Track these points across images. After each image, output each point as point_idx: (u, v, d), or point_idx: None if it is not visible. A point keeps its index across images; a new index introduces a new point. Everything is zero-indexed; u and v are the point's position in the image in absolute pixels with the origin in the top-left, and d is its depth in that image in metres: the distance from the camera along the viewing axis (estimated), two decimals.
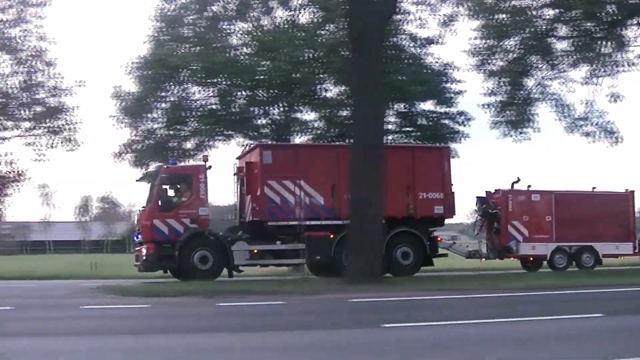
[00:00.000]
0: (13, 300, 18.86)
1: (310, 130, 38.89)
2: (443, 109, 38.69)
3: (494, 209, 32.70)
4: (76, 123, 38.43)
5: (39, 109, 38.43)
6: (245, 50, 37.09)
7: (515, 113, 38.57)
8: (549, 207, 32.89)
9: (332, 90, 38.92)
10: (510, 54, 38.00)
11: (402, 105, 38.36)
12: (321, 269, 29.22)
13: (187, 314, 16.19)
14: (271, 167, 27.86)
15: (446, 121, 38.70)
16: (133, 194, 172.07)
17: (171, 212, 27.15)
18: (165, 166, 28.58)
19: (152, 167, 29.21)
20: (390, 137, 36.54)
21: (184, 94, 37.48)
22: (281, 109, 37.90)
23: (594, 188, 34.81)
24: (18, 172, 39.06)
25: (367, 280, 21.90)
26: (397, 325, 12.76)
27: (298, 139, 38.45)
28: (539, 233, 32.62)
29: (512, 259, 33.67)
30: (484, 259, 33.53)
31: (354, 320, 14.45)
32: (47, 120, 38.31)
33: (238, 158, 31.02)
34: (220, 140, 39.19)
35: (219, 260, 27.15)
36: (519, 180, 33.49)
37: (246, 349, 10.40)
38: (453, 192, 29.86)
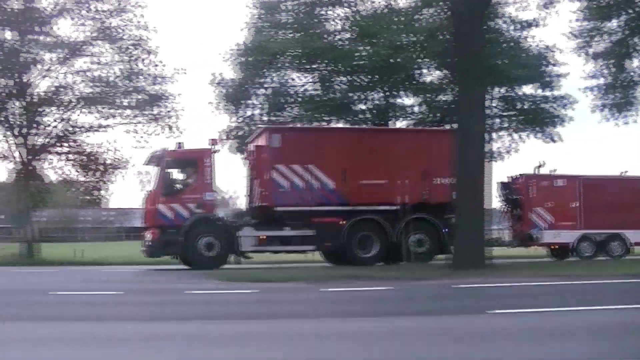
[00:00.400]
0: (122, 285, 19.34)
1: (410, 115, 38.80)
2: (544, 93, 38.12)
3: (516, 195, 31.93)
4: (177, 110, 39.13)
5: (140, 96, 39.13)
6: (344, 35, 37.14)
7: (618, 96, 37.55)
8: (575, 192, 31.99)
9: (431, 75, 38.74)
10: (613, 35, 37.14)
11: (502, 89, 37.75)
12: (332, 256, 29.17)
13: (294, 299, 16.11)
14: (280, 150, 27.51)
15: (547, 105, 38.08)
16: (231, 180, 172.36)
17: (176, 197, 27.14)
18: (170, 149, 27.98)
19: (158, 150, 28.61)
20: (490, 121, 35.90)
21: (283, 80, 37.74)
22: (381, 94, 37.77)
23: (624, 172, 33.78)
24: (120, 159, 40.18)
25: (472, 266, 21.61)
26: (506, 311, 12.50)
27: (398, 124, 38.27)
28: (564, 220, 31.76)
29: (534, 247, 32.67)
30: (508, 247, 32.50)
31: (460, 307, 14.24)
32: (149, 108, 39.01)
33: (249, 142, 30.86)
34: None
35: (225, 246, 26.99)
36: (543, 164, 32.60)
37: (349, 335, 10.34)
38: None
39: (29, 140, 38.74)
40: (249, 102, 37.80)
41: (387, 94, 37.72)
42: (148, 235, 27.28)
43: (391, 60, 35.39)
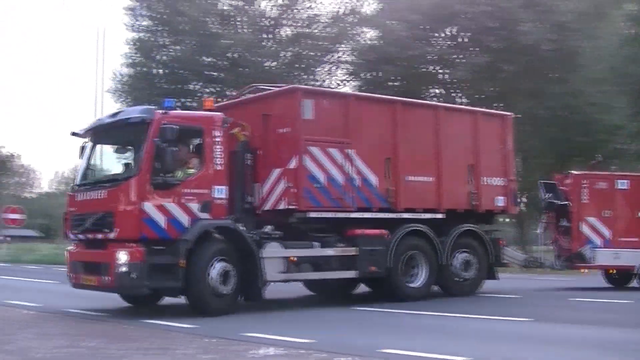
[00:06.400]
0: None
1: None
2: None
3: (563, 200, 23.81)
4: None
5: None
6: None
7: None
8: None
9: None
10: None
11: None
12: (374, 285, 20.40)
13: None
14: (313, 125, 18.01)
15: None
16: None
17: (170, 191, 15.96)
18: (159, 110, 16.25)
19: (132, 110, 17.12)
20: None
21: None
22: None
23: None
24: None
25: None
26: None
27: None
28: (628, 235, 23.55)
29: (584, 270, 24.86)
30: (548, 269, 24.89)
31: None
32: None
33: (230, 106, 19.79)
34: None
35: (243, 274, 16.64)
36: (599, 161, 26.02)
37: None
38: (514, 179, 22.52)
39: None
40: None
41: None
42: (122, 256, 15.41)
43: None
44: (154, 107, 16.64)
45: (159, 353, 10.97)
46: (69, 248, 17.85)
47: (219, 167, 16.67)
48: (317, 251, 17.93)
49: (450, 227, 20.14)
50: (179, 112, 17.05)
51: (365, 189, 18.68)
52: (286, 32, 49.90)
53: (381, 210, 18.97)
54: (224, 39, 45.71)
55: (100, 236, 16.24)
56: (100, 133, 17.64)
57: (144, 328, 14.00)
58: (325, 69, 50.12)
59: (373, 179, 18.85)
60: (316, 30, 48.68)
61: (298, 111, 17.77)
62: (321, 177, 17.92)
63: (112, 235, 15.85)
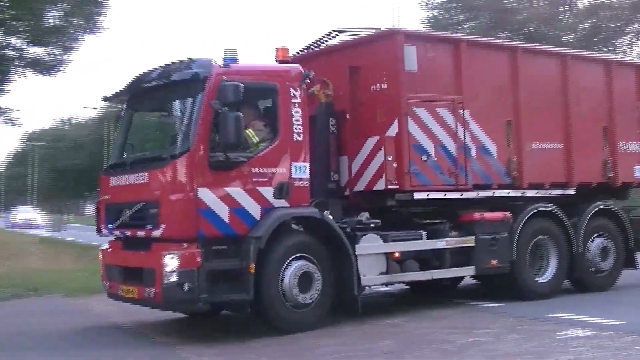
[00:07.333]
0: None
1: None
2: None
3: None
4: None
5: None
6: None
7: None
8: None
9: None
10: None
11: None
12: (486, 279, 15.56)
13: None
14: (417, 78, 13.54)
15: None
16: None
17: (235, 170, 11.72)
18: (218, 64, 11.99)
19: (181, 64, 12.32)
20: None
21: None
22: None
23: None
24: None
25: None
26: None
27: None
28: None
29: None
30: None
31: None
32: None
33: (306, 57, 14.98)
34: None
35: (330, 278, 12.37)
36: None
37: None
38: None
39: None
40: None
41: None
42: (170, 261, 11.40)
43: None
44: (209, 59, 12.26)
45: (464, 332, 11.41)
46: (104, 247, 13.64)
47: (298, 138, 12.36)
48: (427, 244, 13.67)
49: (580, 205, 16.03)
50: (243, 64, 12.44)
51: (483, 160, 14.51)
52: (583, 3, 48.86)
53: (501, 187, 14.83)
54: (520, 14, 45.89)
55: (141, 233, 11.99)
56: (139, 96, 13.26)
57: (448, 307, 14.13)
58: (626, 41, 48.31)
59: (492, 147, 14.65)
60: (615, 0, 46.90)
61: (399, 61, 13.42)
62: (430, 146, 13.68)
63: (156, 233, 11.61)
